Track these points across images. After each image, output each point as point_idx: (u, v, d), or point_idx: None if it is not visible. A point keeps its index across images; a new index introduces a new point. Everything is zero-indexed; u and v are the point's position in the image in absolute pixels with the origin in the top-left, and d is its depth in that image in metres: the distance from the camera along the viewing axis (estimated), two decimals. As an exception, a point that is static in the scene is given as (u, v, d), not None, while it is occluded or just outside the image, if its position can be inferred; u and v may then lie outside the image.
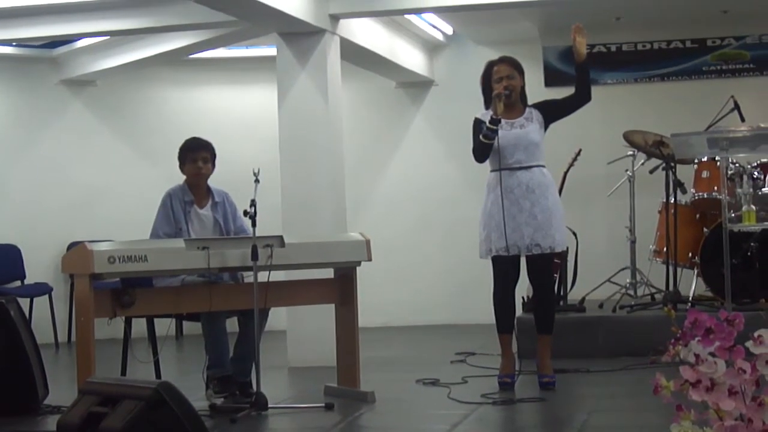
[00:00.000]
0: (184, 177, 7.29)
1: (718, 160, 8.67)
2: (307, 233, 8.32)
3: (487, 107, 7.26)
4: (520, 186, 7.10)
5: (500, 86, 7.14)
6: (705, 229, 9.00)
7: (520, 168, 7.12)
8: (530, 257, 7.19)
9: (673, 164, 9.13)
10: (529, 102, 7.36)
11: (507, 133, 7.12)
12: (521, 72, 7.30)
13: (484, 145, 7.09)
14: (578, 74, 7.25)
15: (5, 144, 11.91)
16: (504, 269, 7.19)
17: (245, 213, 6.48)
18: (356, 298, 7.12)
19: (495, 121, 7.03)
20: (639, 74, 11.79)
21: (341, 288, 7.16)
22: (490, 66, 7.32)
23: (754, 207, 8.48)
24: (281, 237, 6.75)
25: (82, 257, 6.13)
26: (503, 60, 7.33)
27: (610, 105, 11.29)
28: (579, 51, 7.13)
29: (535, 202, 7.10)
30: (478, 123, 7.21)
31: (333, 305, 7.22)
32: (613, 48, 11.79)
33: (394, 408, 6.77)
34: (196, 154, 7.23)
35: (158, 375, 7.24)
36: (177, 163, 7.30)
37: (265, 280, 6.51)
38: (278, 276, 6.81)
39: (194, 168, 7.22)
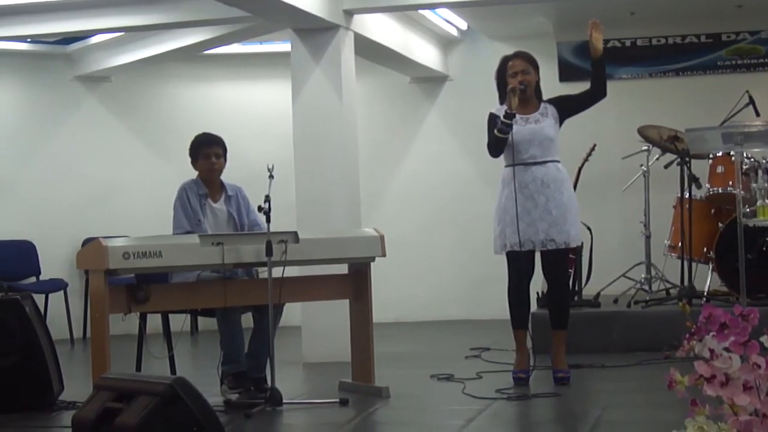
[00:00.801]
0: (196, 173, 7.31)
1: (732, 155, 8.64)
2: (321, 229, 8.31)
3: (501, 102, 7.25)
4: (535, 181, 7.09)
5: (515, 81, 7.13)
6: (720, 224, 8.99)
7: (535, 163, 7.11)
8: (545, 252, 7.18)
9: (687, 159, 9.11)
10: (544, 97, 7.36)
11: (522, 128, 7.11)
12: (536, 67, 7.29)
13: (498, 140, 7.08)
14: (594, 70, 7.23)
15: (20, 140, 11.94)
16: (518, 265, 7.18)
17: (260, 209, 6.49)
18: (370, 293, 7.11)
19: (510, 116, 7.02)
20: (653, 69, 11.77)
21: (355, 283, 7.16)
22: (505, 61, 7.31)
23: (769, 202, 8.47)
24: (296, 233, 6.75)
25: (97, 253, 6.14)
26: (518, 55, 7.32)
27: (624, 100, 11.27)
28: (595, 47, 7.11)
29: (549, 198, 7.08)
30: (492, 118, 7.20)
31: (347, 301, 7.23)
32: (628, 43, 11.76)
33: (408, 403, 6.77)
34: (209, 150, 7.24)
35: (173, 371, 7.26)
36: (190, 159, 7.31)
37: (280, 275, 6.51)
38: (293, 272, 6.82)
39: (207, 164, 7.23)
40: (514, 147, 7.08)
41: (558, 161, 7.20)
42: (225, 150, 7.31)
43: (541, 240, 7.10)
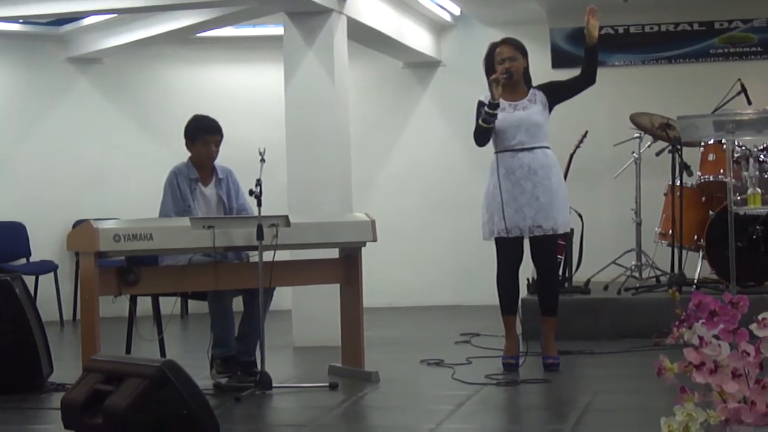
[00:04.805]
0: (188, 154, 7.27)
1: (724, 143, 8.66)
2: (312, 213, 8.31)
3: (490, 89, 7.24)
4: (522, 167, 7.08)
5: (500, 69, 7.12)
6: (710, 212, 8.99)
7: (523, 149, 7.10)
8: (533, 239, 7.18)
9: (679, 147, 9.11)
10: (534, 83, 7.34)
11: (509, 114, 7.11)
12: (524, 53, 7.27)
13: (483, 130, 7.08)
14: (587, 57, 7.21)
15: (11, 121, 11.91)
16: (507, 251, 7.18)
17: (251, 192, 6.48)
18: (361, 278, 7.12)
19: (493, 106, 7.01)
20: (646, 56, 11.76)
21: (346, 268, 7.16)
22: (492, 47, 7.29)
23: (759, 190, 8.48)
24: (287, 217, 6.75)
25: (88, 235, 6.14)
26: (506, 41, 7.30)
27: (616, 87, 11.27)
28: (591, 34, 7.07)
29: (537, 184, 7.08)
30: (481, 105, 7.18)
31: (338, 285, 7.23)
32: (621, 30, 11.75)
33: (398, 388, 6.78)
34: (210, 138, 7.19)
35: (163, 353, 7.25)
36: (183, 141, 7.26)
37: (271, 259, 6.51)
38: (283, 255, 6.81)
39: (206, 151, 7.18)
40: (502, 133, 7.09)
41: (547, 147, 7.18)
42: (222, 137, 7.28)
43: (528, 226, 7.10)
